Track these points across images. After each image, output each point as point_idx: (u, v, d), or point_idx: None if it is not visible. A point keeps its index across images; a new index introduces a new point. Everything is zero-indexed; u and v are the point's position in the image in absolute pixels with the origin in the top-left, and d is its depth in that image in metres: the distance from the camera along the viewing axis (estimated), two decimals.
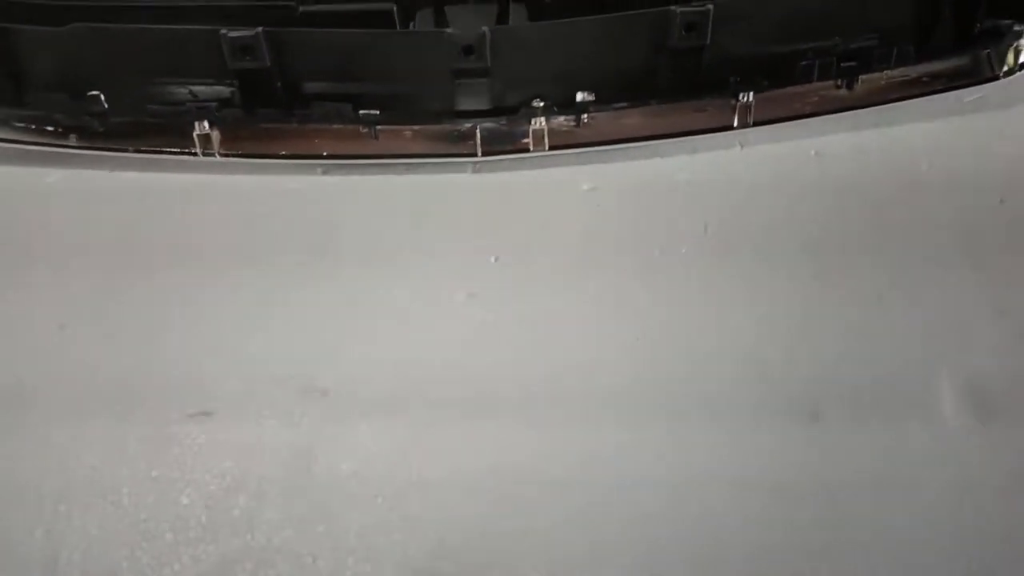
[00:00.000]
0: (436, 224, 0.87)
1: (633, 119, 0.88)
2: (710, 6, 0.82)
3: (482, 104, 0.88)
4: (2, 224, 0.87)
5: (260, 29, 0.82)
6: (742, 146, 0.90)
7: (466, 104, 0.88)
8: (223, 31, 0.81)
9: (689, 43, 0.84)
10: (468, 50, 0.83)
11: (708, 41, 0.84)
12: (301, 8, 0.87)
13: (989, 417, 0.76)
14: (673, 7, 0.82)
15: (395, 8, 0.88)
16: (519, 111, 0.86)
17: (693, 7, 0.82)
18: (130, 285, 0.83)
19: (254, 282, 0.83)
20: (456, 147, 0.86)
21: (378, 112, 0.84)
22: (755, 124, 0.88)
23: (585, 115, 0.86)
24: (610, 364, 0.80)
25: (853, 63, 0.88)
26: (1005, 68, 0.90)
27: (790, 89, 0.89)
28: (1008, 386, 0.78)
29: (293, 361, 0.79)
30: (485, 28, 0.83)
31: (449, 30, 0.87)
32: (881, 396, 0.78)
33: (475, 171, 0.89)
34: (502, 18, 0.96)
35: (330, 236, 0.86)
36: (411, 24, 0.93)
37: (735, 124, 0.88)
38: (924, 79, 0.90)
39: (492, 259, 0.84)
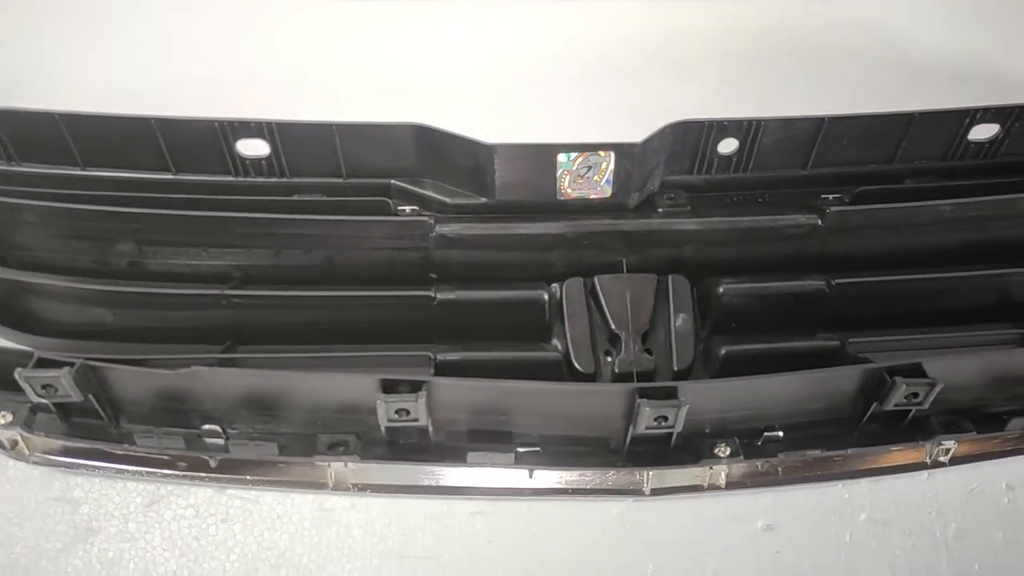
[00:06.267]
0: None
1: (820, 461, 0.83)
2: (940, 385, 0.76)
3: (662, 455, 0.80)
4: None
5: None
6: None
7: (644, 455, 0.81)
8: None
9: (906, 407, 0.79)
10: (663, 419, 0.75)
11: (926, 406, 0.79)
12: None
13: None
14: (898, 377, 0.76)
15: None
16: (700, 460, 0.79)
17: (920, 380, 0.76)
18: None
19: None
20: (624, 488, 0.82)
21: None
22: (951, 463, 0.85)
23: (769, 460, 0.81)
24: None
25: None
26: None
27: (990, 435, 0.85)
28: None
29: None
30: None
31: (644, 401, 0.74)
32: None
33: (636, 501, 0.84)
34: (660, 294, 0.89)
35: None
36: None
37: (928, 463, 0.85)
38: None
39: None
